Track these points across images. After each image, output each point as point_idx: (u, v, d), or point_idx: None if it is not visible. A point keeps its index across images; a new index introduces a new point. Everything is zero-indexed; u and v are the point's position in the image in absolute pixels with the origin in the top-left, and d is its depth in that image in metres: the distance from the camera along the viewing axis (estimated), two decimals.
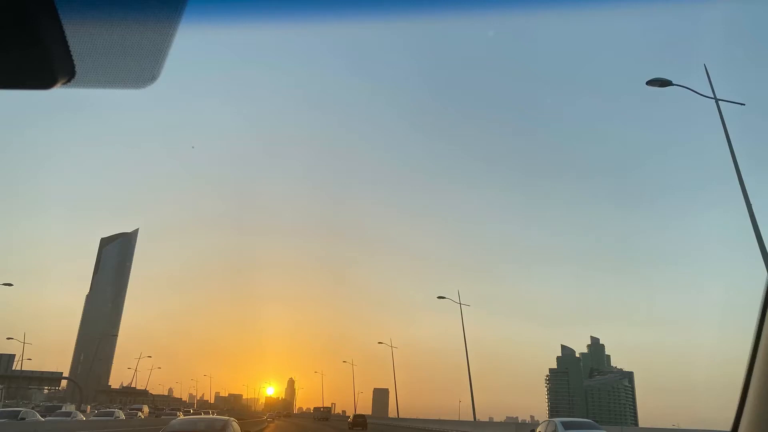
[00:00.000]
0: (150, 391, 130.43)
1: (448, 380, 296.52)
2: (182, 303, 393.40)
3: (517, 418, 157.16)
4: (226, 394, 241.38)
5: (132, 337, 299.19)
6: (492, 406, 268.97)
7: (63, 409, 40.63)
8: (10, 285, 55.16)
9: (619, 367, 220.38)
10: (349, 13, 2.31)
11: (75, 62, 1.55)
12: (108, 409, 51.27)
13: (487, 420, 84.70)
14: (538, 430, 23.49)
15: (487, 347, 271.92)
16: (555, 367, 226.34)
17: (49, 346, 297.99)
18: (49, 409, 41.17)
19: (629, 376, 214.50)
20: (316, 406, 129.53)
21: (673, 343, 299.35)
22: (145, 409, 62.72)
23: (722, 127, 21.12)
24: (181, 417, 32.68)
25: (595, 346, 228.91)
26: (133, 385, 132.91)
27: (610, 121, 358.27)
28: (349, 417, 75.67)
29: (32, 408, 40.51)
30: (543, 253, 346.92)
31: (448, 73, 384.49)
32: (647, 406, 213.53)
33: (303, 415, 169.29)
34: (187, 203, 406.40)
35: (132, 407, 61.24)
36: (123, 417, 42.50)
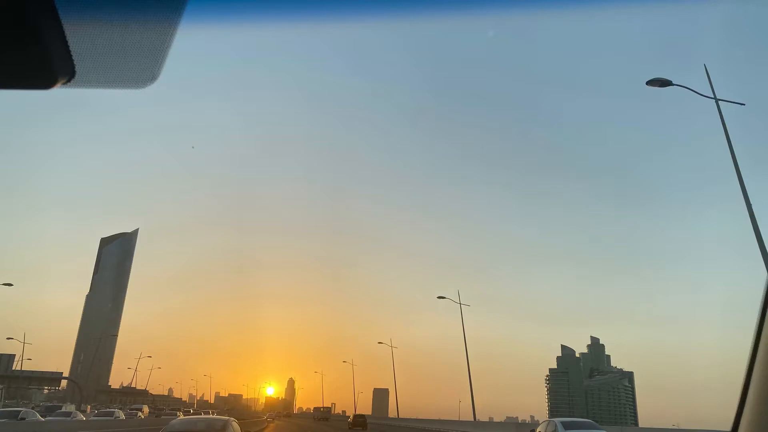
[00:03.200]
0: (150, 391, 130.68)
1: (448, 380, 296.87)
2: (182, 303, 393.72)
3: (517, 418, 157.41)
4: (226, 394, 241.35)
5: (132, 337, 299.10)
6: (492, 406, 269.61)
7: (63, 409, 40.55)
8: (10, 285, 55.25)
9: (619, 367, 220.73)
10: (349, 13, 2.32)
11: (75, 62, 1.55)
12: (108, 409, 51.17)
13: (487, 420, 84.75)
14: (538, 430, 23.51)
15: (487, 347, 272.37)
16: (555, 367, 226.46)
17: (49, 346, 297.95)
18: (49, 409, 41.07)
19: (629, 376, 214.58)
20: (316, 406, 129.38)
21: (673, 343, 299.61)
22: (145, 409, 62.72)
23: (722, 127, 21.15)
24: (181, 417, 32.64)
25: (595, 346, 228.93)
26: (133, 385, 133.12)
27: (610, 121, 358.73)
28: (349, 417, 75.60)
29: (32, 408, 40.41)
30: (543, 252, 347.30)
31: (448, 73, 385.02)
32: (647, 406, 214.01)
33: (303, 415, 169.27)
34: (187, 203, 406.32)
35: (132, 407, 61.26)
36: (123, 417, 42.47)
